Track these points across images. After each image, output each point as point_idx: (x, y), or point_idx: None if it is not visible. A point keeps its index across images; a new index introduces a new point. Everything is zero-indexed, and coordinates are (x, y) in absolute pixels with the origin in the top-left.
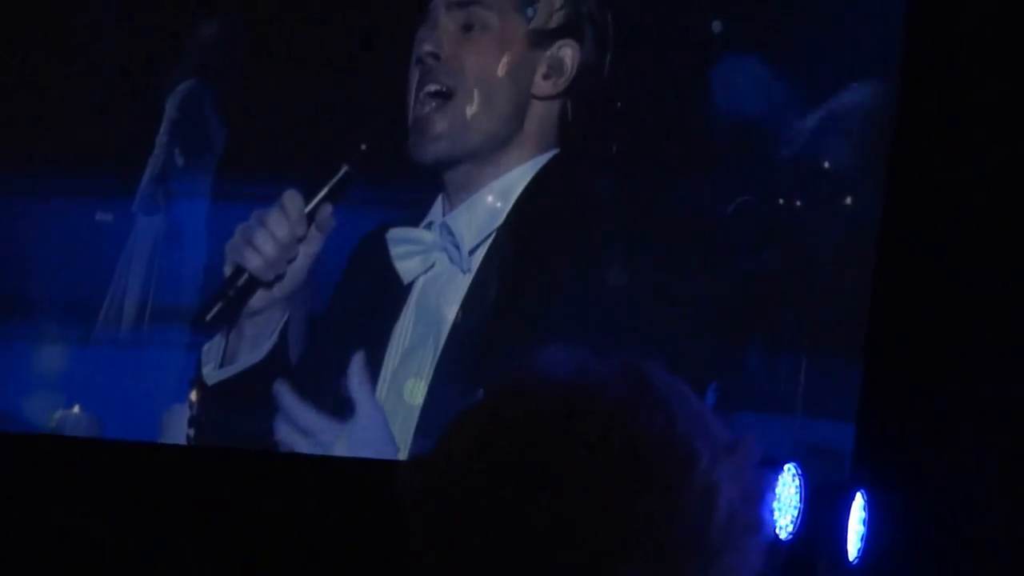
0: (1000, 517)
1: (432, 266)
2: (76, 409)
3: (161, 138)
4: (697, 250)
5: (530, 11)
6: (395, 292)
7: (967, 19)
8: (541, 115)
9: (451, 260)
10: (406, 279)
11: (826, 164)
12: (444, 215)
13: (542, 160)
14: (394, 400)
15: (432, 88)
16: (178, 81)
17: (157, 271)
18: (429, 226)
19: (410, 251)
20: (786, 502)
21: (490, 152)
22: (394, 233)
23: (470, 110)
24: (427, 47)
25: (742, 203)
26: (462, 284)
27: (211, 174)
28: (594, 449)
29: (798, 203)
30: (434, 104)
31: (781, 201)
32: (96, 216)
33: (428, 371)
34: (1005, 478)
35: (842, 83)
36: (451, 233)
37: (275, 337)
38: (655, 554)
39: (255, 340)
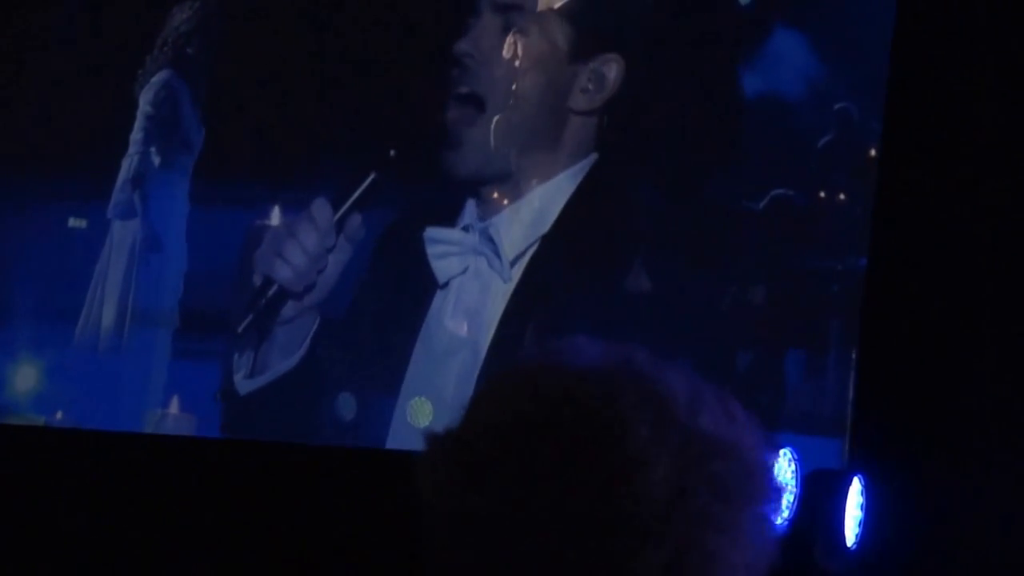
0: (998, 503)
1: (466, 269)
2: (59, 415)
3: (135, 136)
4: (744, 259)
5: None
6: (429, 294)
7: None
8: (577, 126)
9: (491, 267)
10: (441, 279)
11: (872, 152)
12: (479, 220)
13: (583, 168)
14: (419, 404)
15: (464, 90)
16: (152, 73)
17: (136, 278)
18: (466, 228)
19: (447, 251)
20: (781, 487)
21: (525, 162)
22: (432, 232)
23: (502, 121)
24: (465, 47)
25: (776, 196)
26: (502, 292)
27: (189, 174)
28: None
29: (841, 196)
30: (465, 111)
31: (822, 194)
32: (69, 222)
33: (469, 377)
34: (1002, 463)
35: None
36: (492, 240)
37: (307, 344)
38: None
39: (286, 348)
